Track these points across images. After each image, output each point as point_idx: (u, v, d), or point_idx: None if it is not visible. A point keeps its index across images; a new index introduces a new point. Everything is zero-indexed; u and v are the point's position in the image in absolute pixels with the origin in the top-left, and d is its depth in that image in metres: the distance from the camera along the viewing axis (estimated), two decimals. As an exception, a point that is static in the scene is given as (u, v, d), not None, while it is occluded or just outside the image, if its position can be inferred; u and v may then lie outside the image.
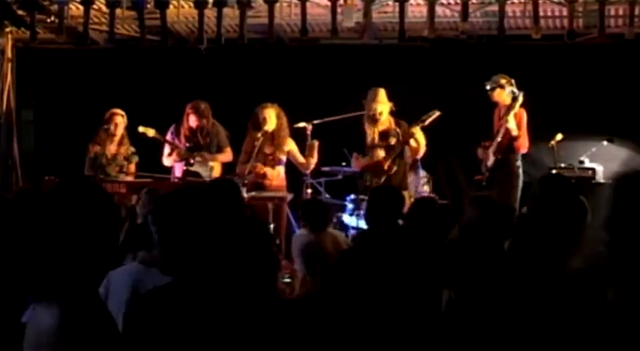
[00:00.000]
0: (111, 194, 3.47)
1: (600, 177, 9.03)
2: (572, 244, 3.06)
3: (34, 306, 2.46)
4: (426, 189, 8.63)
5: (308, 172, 8.26)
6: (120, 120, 8.55)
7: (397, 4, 8.36)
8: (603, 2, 8.12)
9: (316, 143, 8.21)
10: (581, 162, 9.02)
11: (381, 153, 8.02)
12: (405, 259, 4.13)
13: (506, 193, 7.70)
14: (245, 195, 7.26)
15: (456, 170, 9.64)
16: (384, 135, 8.04)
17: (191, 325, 2.52)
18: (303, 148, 8.30)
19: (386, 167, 7.99)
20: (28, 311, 2.49)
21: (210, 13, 8.72)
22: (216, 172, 8.48)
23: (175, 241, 2.58)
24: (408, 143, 7.96)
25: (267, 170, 8.10)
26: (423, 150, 8.05)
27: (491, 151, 8.17)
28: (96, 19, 9.35)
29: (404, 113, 8.17)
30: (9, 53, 9.48)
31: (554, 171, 8.50)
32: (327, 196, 8.66)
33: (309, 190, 8.21)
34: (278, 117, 8.14)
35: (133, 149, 8.53)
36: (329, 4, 8.47)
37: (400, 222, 4.72)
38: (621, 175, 2.84)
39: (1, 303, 2.85)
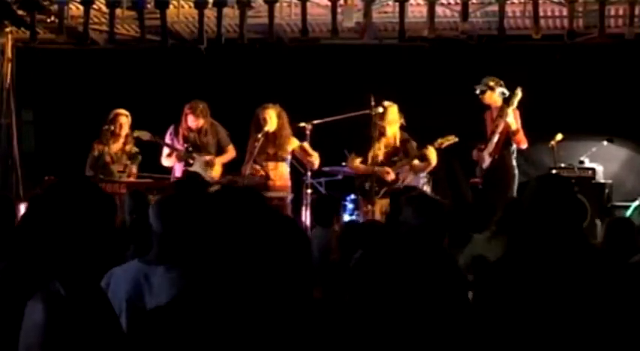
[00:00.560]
0: (111, 194, 3.49)
1: (600, 177, 9.04)
2: (572, 243, 3.07)
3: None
4: (426, 189, 8.63)
5: (315, 167, 8.30)
6: (124, 120, 8.57)
7: (397, 4, 8.36)
8: (603, 2, 8.12)
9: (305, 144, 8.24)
10: (581, 162, 9.03)
11: (384, 166, 8.10)
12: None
13: (503, 195, 7.70)
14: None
15: (457, 171, 9.66)
16: (390, 152, 8.16)
17: (227, 325, 2.55)
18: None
19: (389, 180, 8.07)
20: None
21: (210, 13, 8.72)
22: (217, 172, 8.47)
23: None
24: (411, 165, 8.12)
25: (270, 170, 8.10)
26: (431, 168, 8.20)
27: (486, 152, 8.19)
28: (96, 19, 9.35)
29: (404, 113, 8.18)
30: (9, 53, 9.46)
31: (554, 171, 8.51)
32: (327, 196, 8.66)
33: (309, 190, 8.21)
34: (279, 117, 8.14)
35: (136, 149, 8.56)
36: (329, 4, 8.47)
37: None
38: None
39: (3, 296, 2.86)
